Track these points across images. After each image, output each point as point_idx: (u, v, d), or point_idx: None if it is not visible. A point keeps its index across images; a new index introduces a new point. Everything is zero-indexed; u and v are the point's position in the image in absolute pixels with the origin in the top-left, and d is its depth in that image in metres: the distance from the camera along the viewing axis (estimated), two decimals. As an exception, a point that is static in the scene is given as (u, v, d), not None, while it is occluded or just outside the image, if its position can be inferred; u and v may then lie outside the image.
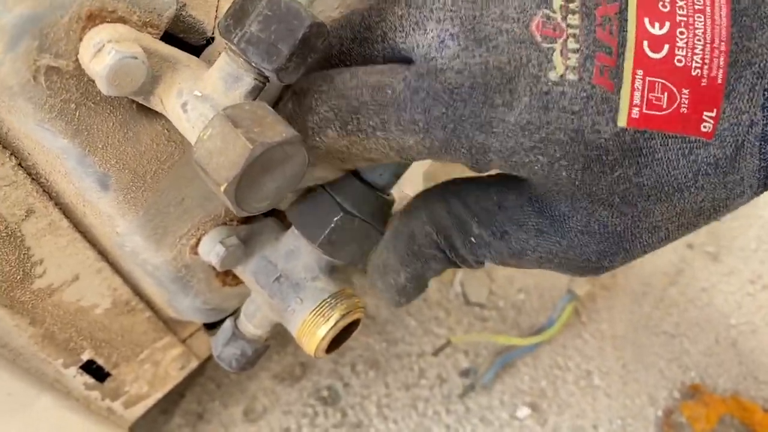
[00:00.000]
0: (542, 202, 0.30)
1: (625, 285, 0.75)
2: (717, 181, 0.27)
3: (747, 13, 0.26)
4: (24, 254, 0.35)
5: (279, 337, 0.41)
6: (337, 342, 0.40)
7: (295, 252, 0.39)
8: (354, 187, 0.36)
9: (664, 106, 0.26)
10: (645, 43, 0.26)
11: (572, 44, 0.26)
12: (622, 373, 0.70)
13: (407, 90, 0.28)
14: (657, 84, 0.26)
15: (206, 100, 0.29)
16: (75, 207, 0.36)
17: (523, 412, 0.67)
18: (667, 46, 0.26)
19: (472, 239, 0.32)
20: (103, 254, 0.39)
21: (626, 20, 0.26)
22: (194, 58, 0.31)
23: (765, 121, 0.27)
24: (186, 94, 0.29)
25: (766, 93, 0.26)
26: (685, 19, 0.26)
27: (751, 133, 0.27)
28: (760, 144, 0.27)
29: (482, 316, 0.73)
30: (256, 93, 0.30)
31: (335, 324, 0.38)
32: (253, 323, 0.42)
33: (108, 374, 0.46)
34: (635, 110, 0.26)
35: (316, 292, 0.39)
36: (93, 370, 0.45)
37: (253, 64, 0.28)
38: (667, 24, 0.26)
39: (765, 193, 0.29)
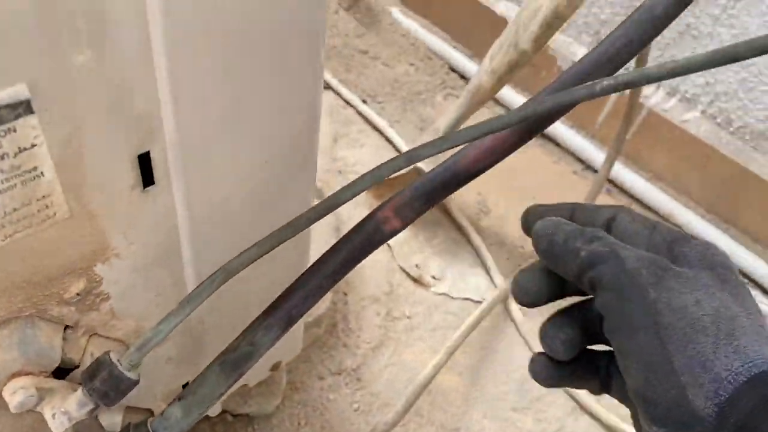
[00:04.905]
0: None
1: None
2: None
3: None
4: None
5: None
6: None
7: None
8: None
9: None
10: None
11: None
12: None
13: None
14: None
15: (66, 414, 0.56)
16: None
17: None
18: None
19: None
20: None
21: None
22: (65, 383, 0.59)
23: None
24: (55, 409, 0.57)
25: None
26: None
27: None
28: None
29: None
30: (94, 411, 0.57)
31: None
32: None
33: None
34: None
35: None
36: None
37: (94, 400, 0.56)
38: None
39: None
